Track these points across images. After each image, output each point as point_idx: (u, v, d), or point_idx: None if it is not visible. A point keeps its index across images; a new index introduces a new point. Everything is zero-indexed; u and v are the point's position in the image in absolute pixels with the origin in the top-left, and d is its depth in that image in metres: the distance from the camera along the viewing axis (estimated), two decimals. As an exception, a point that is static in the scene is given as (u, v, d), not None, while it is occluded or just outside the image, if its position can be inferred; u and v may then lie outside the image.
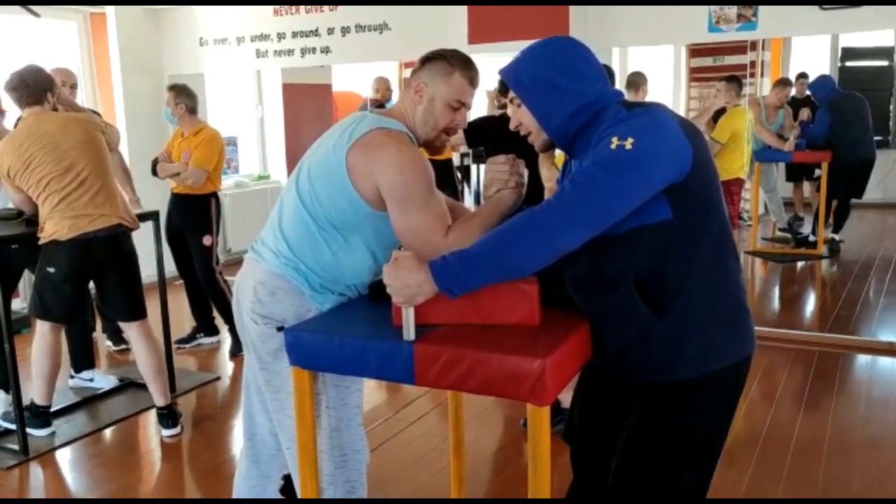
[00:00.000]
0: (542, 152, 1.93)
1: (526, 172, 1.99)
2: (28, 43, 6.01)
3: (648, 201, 1.61)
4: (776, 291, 6.35)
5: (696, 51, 9.12)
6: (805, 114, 7.10)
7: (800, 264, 6.90)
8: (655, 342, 1.68)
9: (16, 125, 3.93)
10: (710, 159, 1.72)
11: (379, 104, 6.57)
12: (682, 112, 8.95)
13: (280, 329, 1.93)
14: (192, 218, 4.64)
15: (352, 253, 1.99)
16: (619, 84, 4.98)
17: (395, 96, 7.37)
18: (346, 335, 1.79)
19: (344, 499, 2.05)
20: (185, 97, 4.51)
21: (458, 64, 1.99)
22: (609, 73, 3.55)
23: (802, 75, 8.15)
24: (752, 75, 8.52)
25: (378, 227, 1.97)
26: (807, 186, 8.30)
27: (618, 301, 1.69)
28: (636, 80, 5.39)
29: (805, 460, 3.19)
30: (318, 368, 1.87)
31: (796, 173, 8.04)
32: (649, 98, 5.67)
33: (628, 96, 5.49)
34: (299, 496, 1.99)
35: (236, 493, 2.31)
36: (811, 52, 9.94)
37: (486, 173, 1.97)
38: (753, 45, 8.40)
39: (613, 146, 1.59)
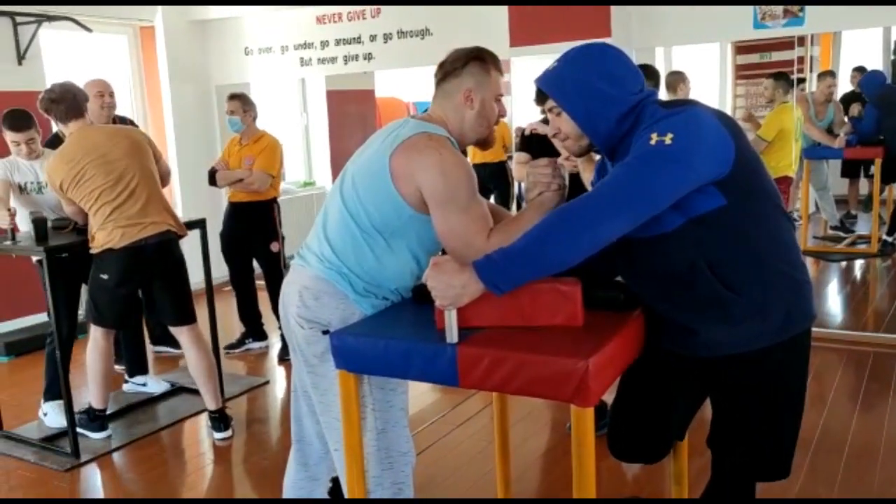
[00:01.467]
0: (578, 157, 1.95)
1: (567, 175, 1.99)
2: (80, 57, 6.18)
3: (699, 193, 1.65)
4: (828, 291, 6.20)
5: (742, 48, 8.94)
6: (856, 109, 6.93)
7: (853, 263, 6.74)
8: (741, 318, 1.74)
9: (49, 143, 4.06)
10: (751, 150, 1.77)
11: None
12: (728, 111, 8.81)
13: (325, 332, 1.96)
14: (257, 226, 4.72)
15: (395, 257, 2.01)
16: (664, 83, 4.93)
17: None
18: (391, 338, 1.82)
19: (389, 499, 2.06)
20: (251, 106, 4.62)
21: (490, 61, 2.06)
22: (653, 73, 3.53)
23: (859, 69, 7.93)
24: (801, 71, 8.34)
25: (421, 231, 1.99)
26: (864, 183, 8.09)
27: (699, 291, 1.74)
28: (674, 81, 5.32)
29: (860, 464, 3.11)
30: (364, 371, 1.89)
31: (852, 169, 7.84)
32: (692, 97, 5.61)
33: (667, 97, 5.44)
34: (346, 497, 2.02)
35: (285, 495, 2.35)
36: (863, 46, 9.69)
37: (529, 176, 1.98)
38: (802, 41, 8.22)
39: (653, 142, 1.62)
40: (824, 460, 3.15)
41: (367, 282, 2.01)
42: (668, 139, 1.61)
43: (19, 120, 3.77)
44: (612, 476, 3.23)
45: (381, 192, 1.95)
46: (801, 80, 7.50)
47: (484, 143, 2.14)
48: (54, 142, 4.03)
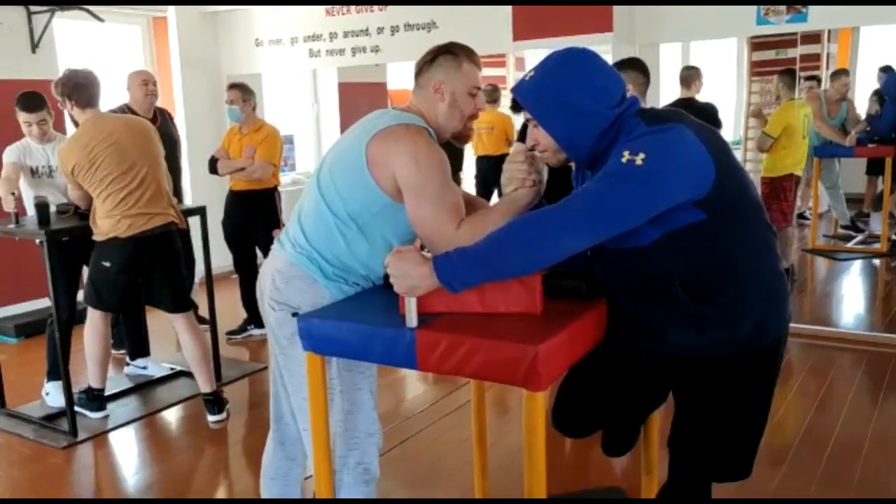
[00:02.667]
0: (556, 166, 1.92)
1: (545, 171, 1.97)
2: (93, 47, 6.28)
3: (676, 209, 1.63)
4: (834, 289, 6.18)
5: (757, 44, 8.89)
6: (874, 107, 6.86)
7: (861, 262, 6.70)
8: (711, 327, 1.74)
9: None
10: (738, 166, 1.74)
11: None
12: (742, 107, 8.77)
13: (295, 315, 2.01)
14: (259, 213, 4.80)
15: (368, 244, 2.05)
16: (657, 81, 4.90)
17: None
18: (354, 321, 1.86)
19: (367, 499, 2.13)
20: (252, 95, 4.70)
21: (462, 54, 2.05)
22: (642, 67, 3.52)
23: (885, 69, 7.81)
24: (817, 69, 8.27)
25: (396, 219, 2.02)
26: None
27: (671, 302, 1.74)
28: (688, 77, 5.31)
29: (874, 464, 3.10)
30: (328, 353, 1.94)
31: (877, 168, 7.75)
32: (706, 93, 5.58)
33: (681, 93, 5.43)
34: (313, 476, 2.07)
35: (263, 474, 2.41)
36: (883, 43, 9.57)
37: (505, 171, 1.98)
38: (818, 37, 8.15)
39: (624, 160, 1.60)
40: (840, 462, 3.12)
41: (337, 267, 2.06)
42: (639, 159, 1.58)
43: (32, 100, 3.89)
44: (596, 466, 3.26)
45: (357, 180, 1.99)
46: (813, 78, 7.46)
47: (460, 138, 2.16)
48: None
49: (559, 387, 2.14)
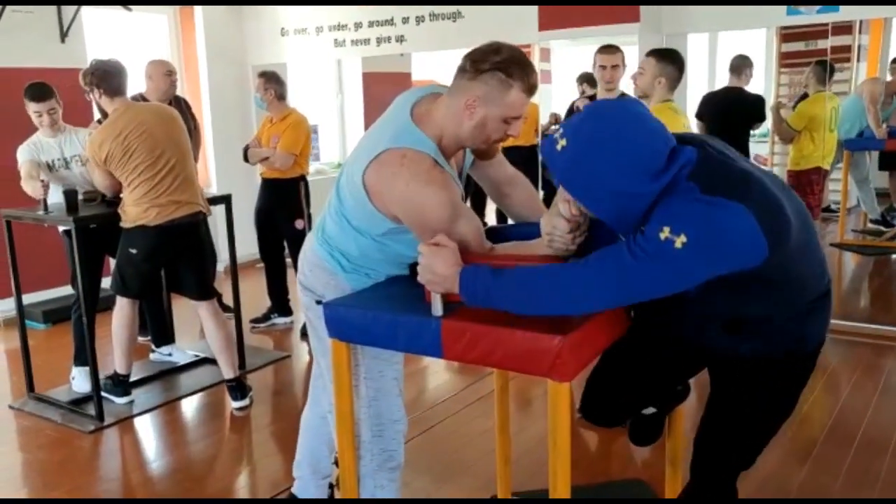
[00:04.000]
0: None
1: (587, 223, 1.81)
2: (121, 36, 6.33)
3: None
4: (863, 285, 6.10)
5: (787, 35, 8.75)
6: (903, 99, 6.75)
7: (891, 257, 6.60)
8: (751, 341, 1.74)
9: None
10: (792, 239, 1.57)
11: None
12: (771, 98, 8.66)
13: (318, 303, 2.02)
14: (283, 202, 4.82)
15: (382, 254, 2.05)
16: (691, 72, 4.84)
17: None
18: (379, 310, 1.87)
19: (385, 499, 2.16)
20: (274, 83, 4.69)
21: (517, 76, 1.79)
22: (678, 61, 3.50)
23: None
24: (847, 60, 8.14)
25: (406, 237, 1.95)
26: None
27: (700, 336, 1.79)
28: (740, 65, 5.21)
29: (869, 457, 3.08)
30: (354, 341, 1.95)
31: (889, 162, 7.65)
32: (752, 82, 5.47)
33: (730, 81, 5.34)
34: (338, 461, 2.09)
35: (301, 430, 2.57)
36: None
37: (545, 228, 1.81)
38: (850, 28, 8.02)
39: (663, 237, 1.45)
40: (866, 458, 3.08)
41: (357, 264, 2.08)
42: (678, 242, 1.43)
43: (41, 90, 3.90)
44: (619, 458, 3.26)
45: (361, 205, 1.94)
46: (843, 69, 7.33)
47: (482, 154, 2.10)
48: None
49: (590, 375, 2.13)
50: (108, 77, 3.51)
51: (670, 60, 3.46)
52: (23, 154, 3.93)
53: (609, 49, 3.94)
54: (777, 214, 1.51)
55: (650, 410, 2.25)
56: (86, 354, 3.70)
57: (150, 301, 4.28)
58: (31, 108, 3.91)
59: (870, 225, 7.35)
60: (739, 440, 1.87)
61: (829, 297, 1.78)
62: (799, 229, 1.58)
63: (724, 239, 1.45)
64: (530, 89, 1.83)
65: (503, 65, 1.79)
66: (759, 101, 5.18)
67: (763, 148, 7.71)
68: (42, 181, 3.71)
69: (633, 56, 4.35)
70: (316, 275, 2.10)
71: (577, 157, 1.52)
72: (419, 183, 1.80)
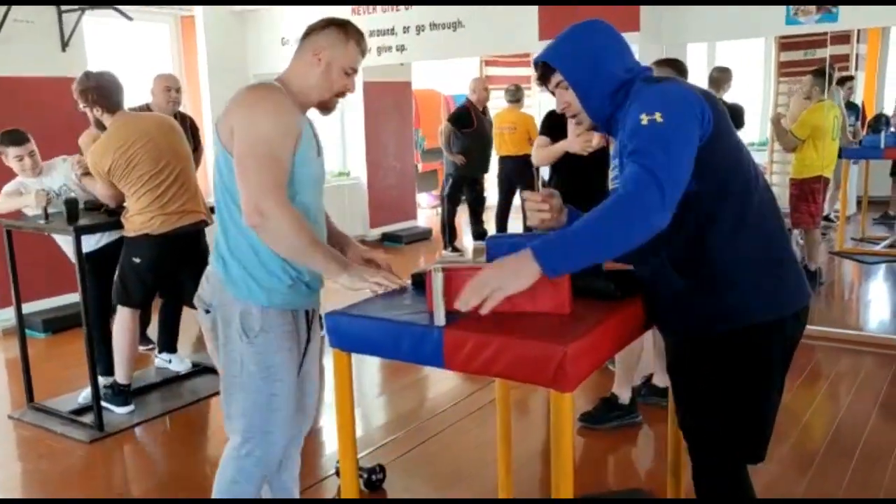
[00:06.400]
0: (588, 131, 1.98)
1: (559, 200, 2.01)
2: (122, 45, 6.35)
3: None
4: (863, 293, 6.10)
5: (786, 44, 8.78)
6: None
7: (890, 266, 6.60)
8: (695, 303, 1.81)
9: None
10: (733, 135, 1.82)
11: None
12: (769, 108, 8.67)
13: (207, 312, 2.17)
14: None
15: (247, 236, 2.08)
16: (690, 81, 4.86)
17: (492, 95, 7.51)
18: (381, 319, 1.86)
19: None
20: None
21: (353, 34, 2.12)
22: (681, 68, 3.51)
23: None
24: (846, 69, 8.16)
25: None
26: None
27: (652, 270, 1.85)
28: (719, 78, 5.22)
29: (870, 465, 3.08)
30: (356, 351, 1.94)
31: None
32: (733, 94, 5.52)
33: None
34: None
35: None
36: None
37: (525, 207, 2.02)
38: (848, 38, 8.04)
39: (644, 122, 1.67)
40: (867, 467, 3.08)
41: (238, 259, 2.10)
42: (658, 118, 1.66)
43: (19, 134, 3.86)
44: (621, 467, 3.25)
45: (218, 156, 2.06)
46: (849, 79, 7.35)
47: (323, 108, 2.18)
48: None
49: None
50: (107, 94, 3.53)
51: (667, 65, 3.46)
52: (8, 187, 3.91)
53: None
54: (699, 89, 1.82)
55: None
56: (165, 343, 4.03)
57: (166, 307, 4.29)
58: (12, 152, 3.82)
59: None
60: (703, 419, 1.89)
61: (786, 270, 1.83)
62: (730, 132, 1.81)
63: (681, 97, 1.73)
64: (363, 51, 2.15)
65: (340, 22, 2.13)
66: (737, 108, 5.18)
67: (762, 156, 7.72)
68: (46, 193, 3.72)
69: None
70: (211, 283, 2.17)
71: (572, 36, 1.86)
72: (270, 102, 2.00)
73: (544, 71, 1.88)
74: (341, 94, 2.16)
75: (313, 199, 2.20)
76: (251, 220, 1.95)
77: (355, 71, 2.15)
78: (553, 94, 1.92)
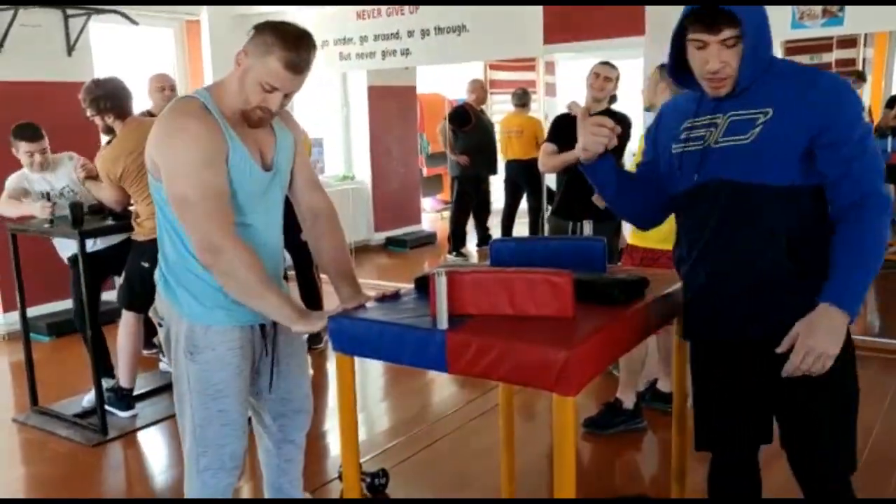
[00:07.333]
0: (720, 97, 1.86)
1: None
2: (127, 50, 6.37)
3: (814, 165, 1.77)
4: (870, 299, 6.06)
5: (792, 48, 8.79)
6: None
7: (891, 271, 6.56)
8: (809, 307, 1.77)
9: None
10: None
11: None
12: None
13: (159, 325, 2.08)
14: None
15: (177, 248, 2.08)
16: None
17: (490, 98, 7.51)
18: (384, 323, 1.86)
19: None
20: None
21: (278, 45, 1.84)
22: None
23: None
24: (851, 74, 8.14)
25: None
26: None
27: (775, 270, 1.84)
28: None
29: (876, 470, 3.06)
30: (359, 354, 1.94)
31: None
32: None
33: None
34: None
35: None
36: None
37: (586, 136, 1.89)
38: (854, 41, 8.03)
39: (865, 122, 1.82)
40: (874, 473, 3.02)
41: (177, 277, 2.08)
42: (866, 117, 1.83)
43: (34, 131, 3.88)
44: (625, 473, 3.24)
45: (148, 177, 2.03)
46: (859, 75, 7.32)
47: (246, 117, 1.95)
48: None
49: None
50: (119, 101, 3.56)
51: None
52: (12, 181, 3.92)
53: (606, 63, 3.93)
54: None
55: None
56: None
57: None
58: (24, 147, 3.84)
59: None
60: (852, 423, 2.03)
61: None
62: None
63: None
64: (290, 65, 1.85)
65: (276, 31, 1.86)
66: None
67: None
68: (50, 200, 3.73)
69: (637, 69, 4.36)
70: (160, 297, 2.15)
71: (761, 7, 1.83)
72: (178, 122, 1.87)
73: (720, 23, 1.74)
74: (262, 109, 1.92)
75: (260, 216, 2.12)
76: (204, 261, 1.89)
77: (275, 88, 1.88)
78: (701, 49, 1.79)
